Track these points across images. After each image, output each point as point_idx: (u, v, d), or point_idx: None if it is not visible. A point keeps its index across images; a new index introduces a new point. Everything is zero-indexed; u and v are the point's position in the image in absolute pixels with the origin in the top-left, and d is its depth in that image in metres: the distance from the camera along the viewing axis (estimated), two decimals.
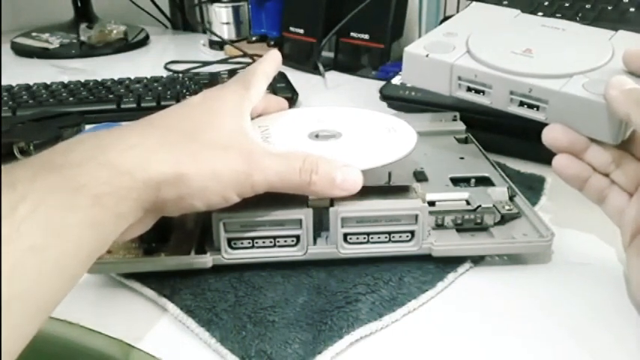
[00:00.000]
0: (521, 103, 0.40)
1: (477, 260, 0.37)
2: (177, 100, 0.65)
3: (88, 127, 0.59)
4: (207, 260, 0.35)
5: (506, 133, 0.48)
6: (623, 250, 0.35)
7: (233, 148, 0.33)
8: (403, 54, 0.44)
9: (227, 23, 0.93)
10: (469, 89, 0.42)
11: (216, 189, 0.31)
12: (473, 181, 0.42)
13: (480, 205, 0.38)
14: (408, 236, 0.36)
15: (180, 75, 0.75)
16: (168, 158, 0.30)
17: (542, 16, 0.55)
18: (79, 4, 1.04)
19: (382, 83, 0.63)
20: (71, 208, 0.25)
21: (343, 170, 0.34)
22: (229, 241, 0.35)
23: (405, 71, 0.45)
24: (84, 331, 0.33)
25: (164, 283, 0.35)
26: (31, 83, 0.70)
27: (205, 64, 0.85)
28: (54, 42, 0.96)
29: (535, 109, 0.39)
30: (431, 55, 0.43)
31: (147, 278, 0.35)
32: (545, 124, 0.38)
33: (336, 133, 0.40)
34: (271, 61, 0.42)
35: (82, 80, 0.71)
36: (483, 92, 0.41)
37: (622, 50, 0.38)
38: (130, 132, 0.31)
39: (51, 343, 0.34)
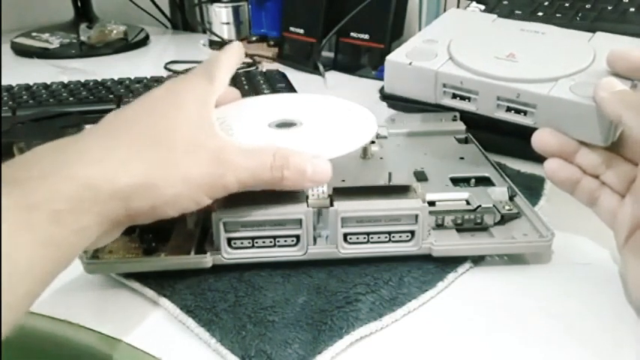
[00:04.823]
0: (509, 109, 0.39)
1: (477, 260, 0.37)
2: None
3: (88, 127, 0.59)
4: (207, 260, 0.35)
5: (506, 133, 0.48)
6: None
7: (202, 147, 0.32)
8: (385, 63, 0.44)
9: (227, 23, 0.93)
10: (454, 96, 0.42)
11: (188, 194, 0.31)
12: (473, 181, 0.42)
13: (480, 205, 0.38)
14: (408, 236, 0.36)
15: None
16: (136, 169, 0.29)
17: (543, 15, 0.55)
18: (79, 4, 1.03)
19: (382, 83, 0.63)
20: (26, 226, 0.24)
21: (313, 162, 0.33)
22: (229, 241, 0.35)
23: (388, 80, 0.45)
24: (84, 331, 0.33)
25: (164, 283, 0.35)
26: (31, 83, 0.70)
27: None
28: (54, 42, 0.96)
29: (523, 114, 0.39)
30: (414, 62, 0.43)
31: (147, 278, 0.35)
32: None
33: (296, 121, 0.39)
34: (234, 52, 0.40)
35: (82, 80, 0.71)
36: (469, 99, 0.41)
37: (602, 51, 0.38)
38: (96, 142, 0.30)
39: (51, 342, 0.34)
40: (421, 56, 0.43)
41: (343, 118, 0.40)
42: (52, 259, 0.26)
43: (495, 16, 0.49)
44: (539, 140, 0.37)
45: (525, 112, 0.39)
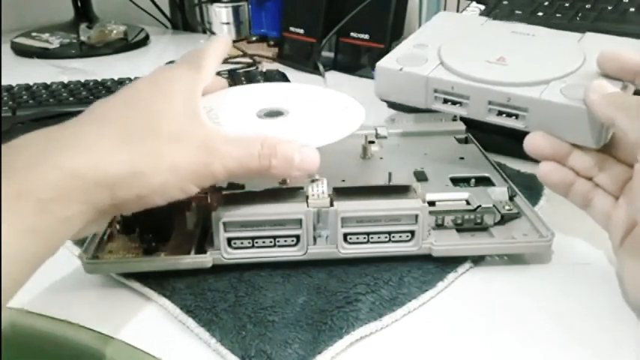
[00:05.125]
0: (500, 113, 0.39)
1: (477, 260, 0.37)
2: None
3: None
4: (207, 260, 0.35)
5: (506, 133, 0.48)
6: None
7: (189, 136, 0.32)
8: (375, 68, 0.44)
9: (227, 23, 0.93)
10: (445, 101, 0.42)
11: (175, 183, 0.31)
12: (473, 181, 0.42)
13: (480, 205, 0.38)
14: (408, 236, 0.36)
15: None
16: (123, 158, 0.29)
17: (543, 16, 0.55)
18: (79, 4, 1.03)
19: None
20: (13, 214, 0.25)
21: (301, 151, 0.33)
22: (229, 241, 0.35)
23: (379, 85, 0.44)
24: (84, 331, 0.33)
25: (164, 283, 0.35)
26: (31, 83, 0.70)
27: None
28: (54, 42, 0.96)
29: (514, 117, 0.39)
30: (405, 68, 0.42)
31: (147, 278, 0.35)
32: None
33: (283, 110, 0.39)
34: (221, 42, 0.39)
35: (82, 80, 0.71)
36: (460, 103, 0.41)
37: (592, 52, 0.38)
38: (82, 131, 0.30)
39: (51, 342, 0.34)
40: (411, 61, 0.43)
41: (331, 107, 0.40)
42: (37, 248, 0.26)
43: (485, 18, 0.49)
44: (532, 144, 0.37)
45: (517, 116, 0.39)
